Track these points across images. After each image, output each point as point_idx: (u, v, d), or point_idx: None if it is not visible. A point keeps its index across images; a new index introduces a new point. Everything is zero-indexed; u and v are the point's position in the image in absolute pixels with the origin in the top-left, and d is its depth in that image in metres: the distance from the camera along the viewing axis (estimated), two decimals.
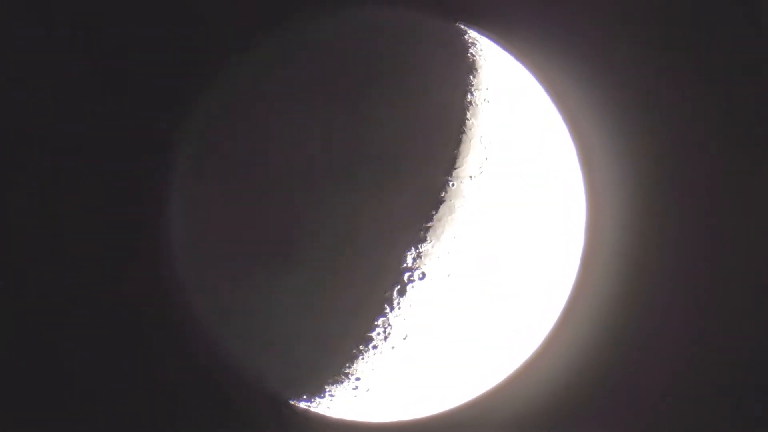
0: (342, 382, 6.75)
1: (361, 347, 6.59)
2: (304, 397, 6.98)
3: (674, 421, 7.27)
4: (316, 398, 6.95)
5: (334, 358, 6.63)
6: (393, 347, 6.60)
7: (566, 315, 7.23)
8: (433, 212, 6.51)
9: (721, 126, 7.25)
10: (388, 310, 6.52)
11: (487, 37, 7.14)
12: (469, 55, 6.94)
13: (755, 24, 6.95)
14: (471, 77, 6.83)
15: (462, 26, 7.12)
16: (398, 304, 6.51)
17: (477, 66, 6.90)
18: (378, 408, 6.98)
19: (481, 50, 7.02)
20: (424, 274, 6.53)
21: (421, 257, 6.50)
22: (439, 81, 6.73)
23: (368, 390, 6.78)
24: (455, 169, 6.57)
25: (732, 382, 7.22)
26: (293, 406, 7.06)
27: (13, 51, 6.84)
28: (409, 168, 6.49)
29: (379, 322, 6.53)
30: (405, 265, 6.49)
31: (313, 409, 7.08)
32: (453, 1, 6.94)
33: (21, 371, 6.81)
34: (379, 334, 6.56)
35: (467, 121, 6.66)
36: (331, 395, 6.88)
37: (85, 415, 6.82)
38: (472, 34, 7.10)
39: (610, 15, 6.71)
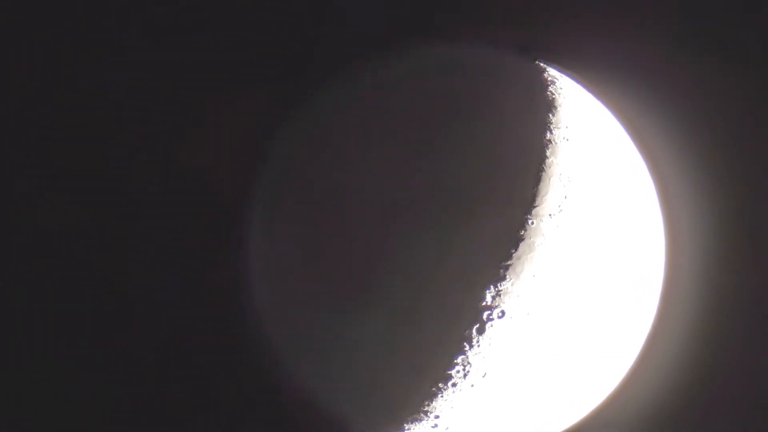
0: (421, 420, 6.74)
1: (441, 385, 6.58)
2: None
3: None
4: None
5: (413, 396, 6.62)
6: (472, 385, 6.58)
7: (646, 353, 7.17)
8: (513, 250, 6.50)
9: None
10: (467, 347, 6.50)
11: (567, 75, 7.14)
12: (548, 93, 6.94)
13: None
14: (550, 115, 6.82)
15: (541, 64, 7.12)
16: (477, 342, 6.50)
17: (556, 104, 6.89)
18: None
19: (561, 88, 7.02)
20: (503, 313, 6.51)
21: (500, 295, 6.48)
22: (518, 119, 6.74)
23: (447, 428, 6.76)
24: (534, 207, 6.56)
25: None
26: None
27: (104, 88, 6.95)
28: (488, 206, 6.49)
29: (459, 359, 6.52)
30: (484, 303, 6.47)
31: None
32: (532, 39, 6.94)
33: (96, 401, 6.88)
34: (458, 371, 6.54)
35: (546, 159, 6.65)
36: None
37: None
38: (552, 72, 7.10)
39: (693, 55, 6.68)
